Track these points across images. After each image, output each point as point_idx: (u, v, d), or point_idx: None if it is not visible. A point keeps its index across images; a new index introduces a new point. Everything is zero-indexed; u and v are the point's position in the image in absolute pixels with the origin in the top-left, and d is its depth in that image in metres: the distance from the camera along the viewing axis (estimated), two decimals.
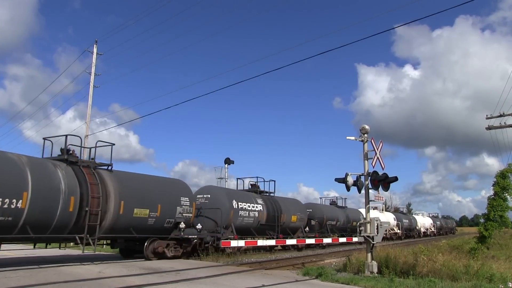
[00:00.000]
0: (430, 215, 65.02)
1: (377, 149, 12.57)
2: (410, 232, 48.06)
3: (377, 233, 12.17)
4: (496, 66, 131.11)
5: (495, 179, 19.89)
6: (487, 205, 19.97)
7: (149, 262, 14.97)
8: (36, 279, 9.98)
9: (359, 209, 39.24)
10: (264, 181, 25.35)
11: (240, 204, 21.05)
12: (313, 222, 28.65)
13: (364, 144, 12.70)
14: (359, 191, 12.83)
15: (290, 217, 25.24)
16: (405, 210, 66.02)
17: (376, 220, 12.32)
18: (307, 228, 27.52)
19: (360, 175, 12.71)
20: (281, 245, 24.70)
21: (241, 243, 12.98)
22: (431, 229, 57.00)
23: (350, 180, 12.49)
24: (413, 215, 56.44)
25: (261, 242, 12.72)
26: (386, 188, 12.49)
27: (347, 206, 36.06)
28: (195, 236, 17.26)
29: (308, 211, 28.59)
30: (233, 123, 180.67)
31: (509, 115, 20.31)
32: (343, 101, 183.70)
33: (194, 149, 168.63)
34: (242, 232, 21.42)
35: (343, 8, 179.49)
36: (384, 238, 36.51)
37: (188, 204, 17.47)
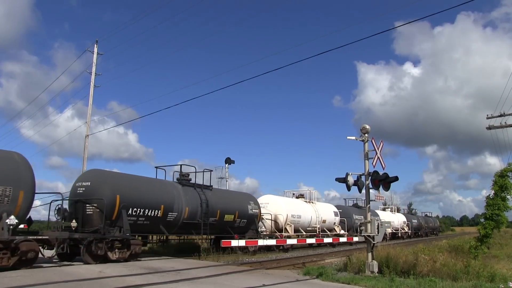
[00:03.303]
0: (406, 212, 55.92)
1: (378, 149, 12.58)
2: None
3: (378, 233, 12.19)
4: (498, 64, 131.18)
5: (494, 179, 19.88)
6: (485, 204, 19.97)
7: (150, 262, 14.97)
8: (37, 278, 9.97)
9: (264, 196, 26.83)
10: None
11: None
12: (90, 210, 14.56)
13: (364, 144, 12.71)
14: (360, 191, 12.84)
15: None
16: (391, 204, 52.31)
17: (377, 220, 12.33)
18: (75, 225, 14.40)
19: (360, 175, 12.72)
20: None
21: (241, 242, 12.93)
22: (403, 229, 46.15)
23: (351, 179, 12.51)
24: (376, 211, 41.39)
25: (261, 242, 12.74)
26: (386, 188, 12.52)
27: (213, 186, 21.04)
28: None
29: (80, 189, 14.81)
30: (233, 123, 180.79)
31: (509, 114, 20.30)
32: (343, 99, 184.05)
33: (193, 148, 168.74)
34: None
35: (342, 5, 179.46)
36: (311, 245, 27.39)
37: None
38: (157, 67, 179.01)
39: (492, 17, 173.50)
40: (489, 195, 19.84)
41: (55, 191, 35.11)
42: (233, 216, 20.82)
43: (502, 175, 19.25)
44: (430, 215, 66.30)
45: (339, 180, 12.79)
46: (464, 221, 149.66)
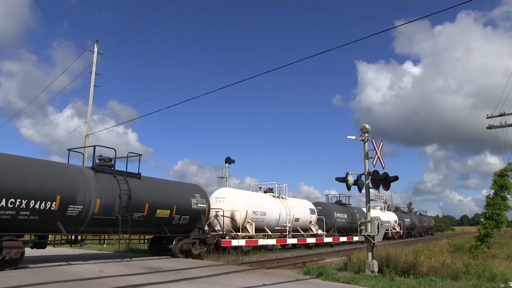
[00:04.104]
0: (400, 210, 53.73)
1: (378, 149, 12.57)
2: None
3: (378, 232, 12.20)
4: (499, 63, 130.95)
5: (493, 178, 19.92)
6: (485, 204, 20.01)
7: (150, 261, 14.98)
8: (37, 278, 9.97)
9: (221, 189, 23.32)
10: None
11: None
12: None
13: (364, 143, 12.71)
14: (360, 190, 12.85)
15: None
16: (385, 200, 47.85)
17: (377, 219, 12.34)
18: None
19: (360, 175, 12.72)
20: None
21: (242, 242, 12.89)
22: (394, 229, 43.60)
23: (351, 179, 12.52)
24: (363, 209, 34.61)
25: (261, 242, 12.71)
26: (386, 188, 12.52)
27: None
28: None
29: None
30: (233, 122, 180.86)
31: (509, 114, 20.30)
32: (343, 99, 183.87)
33: (193, 148, 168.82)
34: None
35: (342, 5, 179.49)
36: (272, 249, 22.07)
37: None
38: (157, 67, 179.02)
39: (493, 15, 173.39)
40: (489, 194, 19.87)
41: None
42: (169, 211, 16.55)
43: (502, 174, 19.30)
44: (425, 214, 63.32)
45: (339, 179, 12.80)
46: (464, 220, 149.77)
